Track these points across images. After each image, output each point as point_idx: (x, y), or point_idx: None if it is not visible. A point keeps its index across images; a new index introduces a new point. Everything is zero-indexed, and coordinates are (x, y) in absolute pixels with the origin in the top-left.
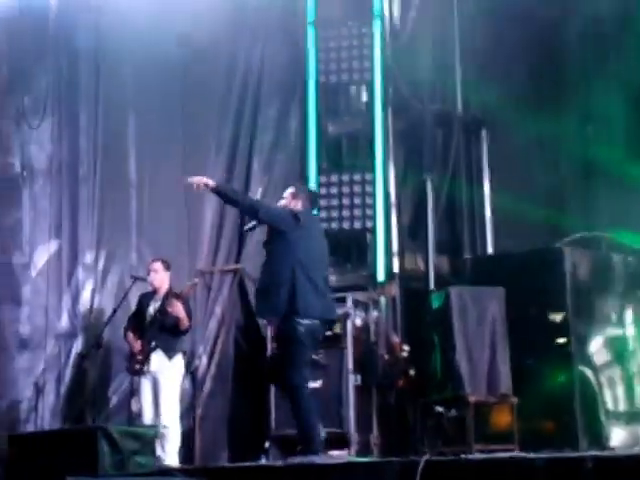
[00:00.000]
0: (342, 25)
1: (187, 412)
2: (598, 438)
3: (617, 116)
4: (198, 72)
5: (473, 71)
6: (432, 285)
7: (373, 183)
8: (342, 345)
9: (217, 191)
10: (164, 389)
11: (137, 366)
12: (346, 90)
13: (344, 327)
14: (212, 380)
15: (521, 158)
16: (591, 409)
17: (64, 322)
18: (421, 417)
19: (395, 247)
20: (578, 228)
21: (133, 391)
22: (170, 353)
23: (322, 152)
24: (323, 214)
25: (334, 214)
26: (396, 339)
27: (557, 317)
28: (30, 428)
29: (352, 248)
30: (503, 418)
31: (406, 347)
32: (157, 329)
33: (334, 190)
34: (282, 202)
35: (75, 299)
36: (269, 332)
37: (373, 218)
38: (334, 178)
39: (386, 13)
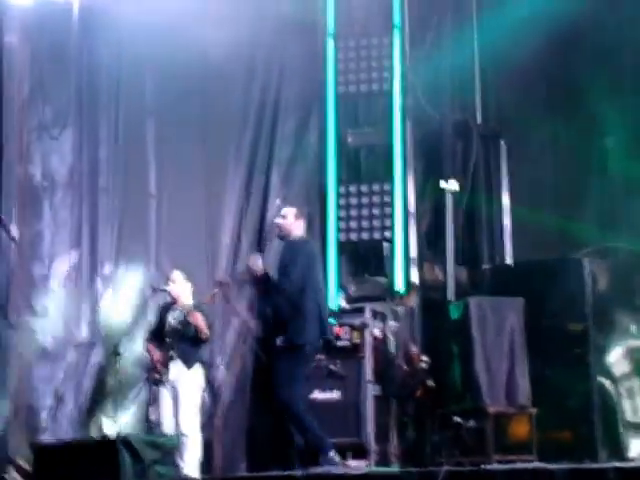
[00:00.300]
0: (361, 36)
1: (206, 423)
2: (617, 449)
3: (637, 127)
4: (217, 84)
5: (492, 82)
6: (451, 295)
7: (392, 194)
8: (360, 355)
9: None
10: (183, 399)
11: (156, 376)
12: (365, 101)
13: (362, 337)
14: (231, 391)
15: (540, 168)
16: (610, 420)
17: (83, 332)
18: (439, 428)
19: (414, 257)
20: (597, 239)
21: (152, 401)
22: (189, 363)
23: (341, 163)
24: (342, 225)
25: (353, 225)
26: (414, 350)
27: (576, 328)
28: (49, 437)
29: (371, 258)
30: (521, 429)
31: (425, 358)
32: (177, 339)
33: (353, 201)
34: (284, 221)
35: (94, 309)
36: None
37: (392, 229)
38: (353, 189)
39: (405, 24)
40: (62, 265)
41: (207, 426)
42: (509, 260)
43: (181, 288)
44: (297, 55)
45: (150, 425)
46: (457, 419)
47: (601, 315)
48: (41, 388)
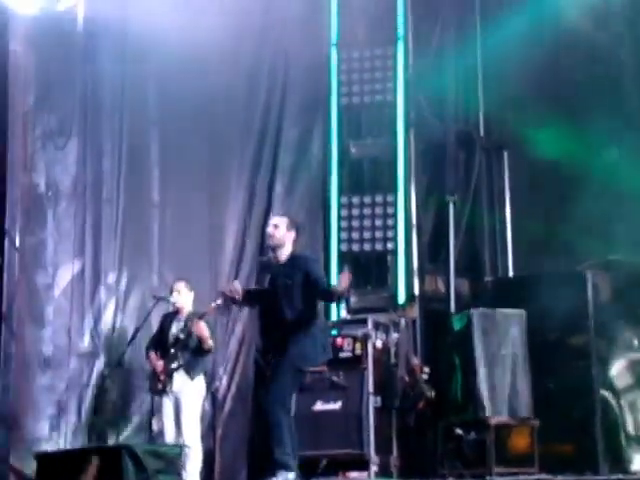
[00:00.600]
0: (365, 46)
1: (207, 432)
2: (619, 462)
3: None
4: (221, 94)
5: (495, 93)
6: (453, 307)
7: (395, 205)
8: (362, 366)
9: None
10: (186, 409)
11: (159, 386)
12: (368, 112)
13: (364, 349)
14: (232, 400)
15: (543, 180)
16: (612, 433)
17: (86, 342)
18: (441, 439)
19: (416, 269)
20: (600, 251)
21: (154, 411)
22: (192, 373)
23: (344, 173)
24: (344, 235)
25: (355, 236)
26: (416, 361)
27: (578, 341)
28: (52, 446)
29: (373, 270)
30: (523, 441)
31: (426, 369)
32: (180, 349)
33: (355, 211)
34: (276, 231)
35: (97, 319)
36: None
37: (394, 240)
38: (356, 200)
39: (409, 35)
40: (65, 274)
41: (208, 436)
42: (511, 272)
43: (185, 298)
44: (301, 65)
45: (152, 435)
46: (458, 431)
47: (603, 328)
48: (43, 397)
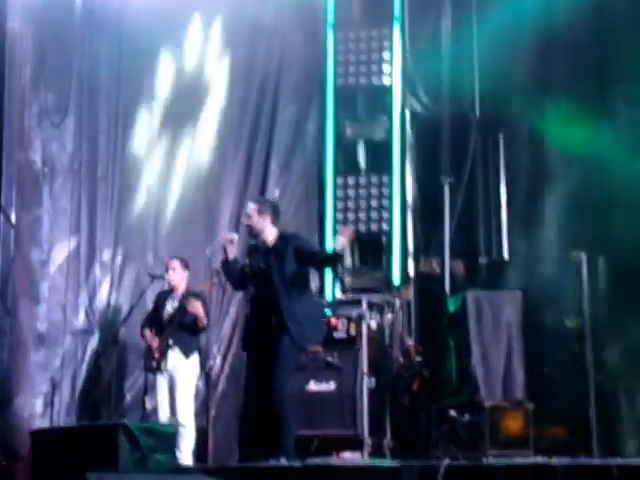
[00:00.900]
0: (361, 28)
1: (200, 411)
2: (613, 446)
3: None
4: (217, 71)
5: (491, 74)
6: (447, 289)
7: (390, 186)
8: (356, 347)
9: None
10: (180, 387)
11: (153, 363)
12: (364, 93)
13: (359, 329)
14: (226, 381)
15: (538, 162)
16: (607, 417)
17: (81, 319)
18: (435, 421)
19: (411, 250)
20: (596, 234)
21: (147, 389)
22: (187, 351)
23: (339, 154)
24: (340, 216)
25: (351, 216)
26: (411, 342)
27: (573, 324)
28: (45, 423)
29: (368, 250)
30: (517, 424)
31: (420, 350)
32: (175, 328)
33: (351, 192)
34: (248, 220)
35: (92, 296)
36: None
37: (389, 221)
38: (351, 180)
39: (406, 16)
40: (61, 251)
41: (201, 415)
42: (506, 254)
43: (179, 276)
44: (297, 45)
45: (145, 413)
46: (452, 413)
47: (599, 311)
48: (37, 374)
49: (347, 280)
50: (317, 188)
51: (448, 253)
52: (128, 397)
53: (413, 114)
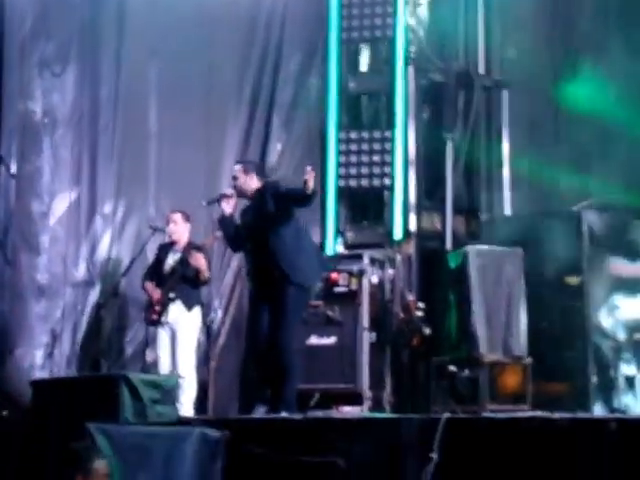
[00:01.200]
0: None
1: (201, 364)
2: (610, 402)
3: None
4: (220, 24)
5: (496, 31)
6: (449, 245)
7: (392, 141)
8: (357, 302)
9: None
10: (182, 340)
11: (154, 316)
12: (368, 47)
13: (360, 284)
14: (226, 334)
15: (541, 120)
16: (605, 373)
17: (81, 271)
18: (434, 376)
19: (413, 205)
20: (597, 191)
21: (148, 341)
22: (189, 304)
23: (342, 109)
24: (342, 171)
25: (353, 171)
26: (411, 298)
27: (573, 281)
28: (45, 374)
29: (370, 205)
30: (516, 379)
31: (421, 305)
32: (177, 280)
33: (353, 147)
34: (236, 182)
35: (93, 248)
36: None
37: (392, 176)
38: (354, 135)
39: None
40: (61, 203)
41: (202, 368)
42: (507, 211)
43: (181, 229)
44: None
45: (146, 366)
46: (452, 368)
47: (598, 268)
48: (37, 326)
49: (349, 235)
50: (319, 143)
51: (450, 209)
52: (129, 350)
53: (417, 69)
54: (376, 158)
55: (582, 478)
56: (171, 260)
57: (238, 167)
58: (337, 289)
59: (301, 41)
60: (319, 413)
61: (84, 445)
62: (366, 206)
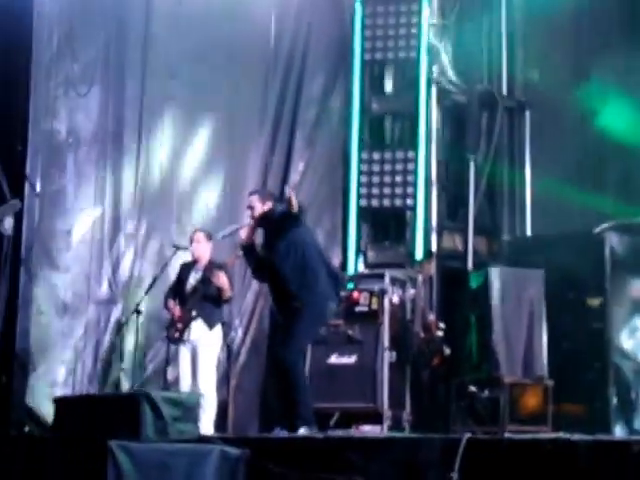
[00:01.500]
0: (390, 2)
1: (221, 383)
2: (631, 424)
3: None
4: (244, 45)
5: (519, 53)
6: (470, 265)
7: (415, 161)
8: (378, 321)
9: None
10: (203, 358)
11: (177, 334)
12: (391, 68)
13: (381, 304)
14: (247, 353)
15: (564, 141)
16: (625, 395)
17: (104, 289)
18: (454, 396)
19: (434, 226)
20: (619, 214)
21: (169, 360)
22: (211, 323)
23: (365, 129)
24: (364, 190)
25: (375, 191)
26: (432, 317)
27: (594, 302)
28: (67, 391)
29: (391, 225)
30: (536, 400)
31: (442, 325)
32: (199, 299)
33: (376, 167)
34: (253, 212)
35: (116, 267)
36: None
37: (414, 196)
38: (376, 155)
39: None
40: (85, 221)
41: (222, 386)
42: (529, 232)
43: (203, 248)
44: (325, 19)
45: (167, 384)
46: (472, 388)
47: (620, 291)
48: (60, 343)
49: (370, 255)
50: (341, 162)
51: (471, 230)
52: (150, 368)
53: (440, 90)
54: (398, 178)
55: None
56: (193, 279)
57: (254, 196)
58: (358, 308)
59: (324, 61)
60: (339, 432)
61: None
62: (388, 226)
